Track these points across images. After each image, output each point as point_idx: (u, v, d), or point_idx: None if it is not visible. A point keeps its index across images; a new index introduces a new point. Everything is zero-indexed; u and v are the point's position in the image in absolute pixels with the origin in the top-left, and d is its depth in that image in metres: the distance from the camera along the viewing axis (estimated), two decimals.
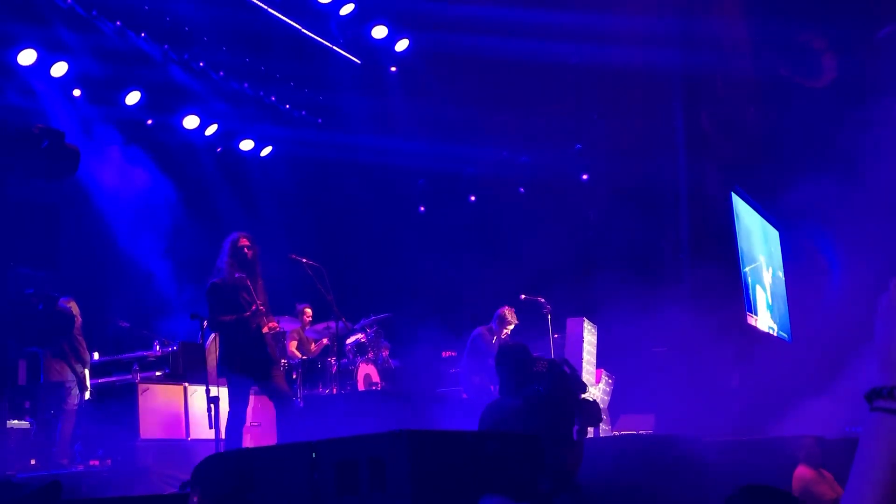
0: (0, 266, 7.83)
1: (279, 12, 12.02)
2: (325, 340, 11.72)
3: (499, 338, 10.88)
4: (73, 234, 9.54)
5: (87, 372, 9.97)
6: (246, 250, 8.18)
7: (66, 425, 9.63)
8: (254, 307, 8.04)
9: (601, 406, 11.02)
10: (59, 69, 10.91)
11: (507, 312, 11.08)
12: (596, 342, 10.97)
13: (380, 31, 13.34)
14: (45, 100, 10.94)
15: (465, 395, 11.06)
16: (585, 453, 6.64)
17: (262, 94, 13.30)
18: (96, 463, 9.17)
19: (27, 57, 10.52)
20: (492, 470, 4.15)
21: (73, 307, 9.95)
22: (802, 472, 8.98)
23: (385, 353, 11.58)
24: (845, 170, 12.04)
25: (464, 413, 9.44)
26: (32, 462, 9.06)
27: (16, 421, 9.45)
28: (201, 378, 9.33)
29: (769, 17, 12.64)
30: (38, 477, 7.05)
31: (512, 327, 11.03)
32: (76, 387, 9.77)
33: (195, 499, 3.97)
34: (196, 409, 9.73)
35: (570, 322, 10.80)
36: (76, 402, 9.79)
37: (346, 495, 3.87)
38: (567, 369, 6.42)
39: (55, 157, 8.12)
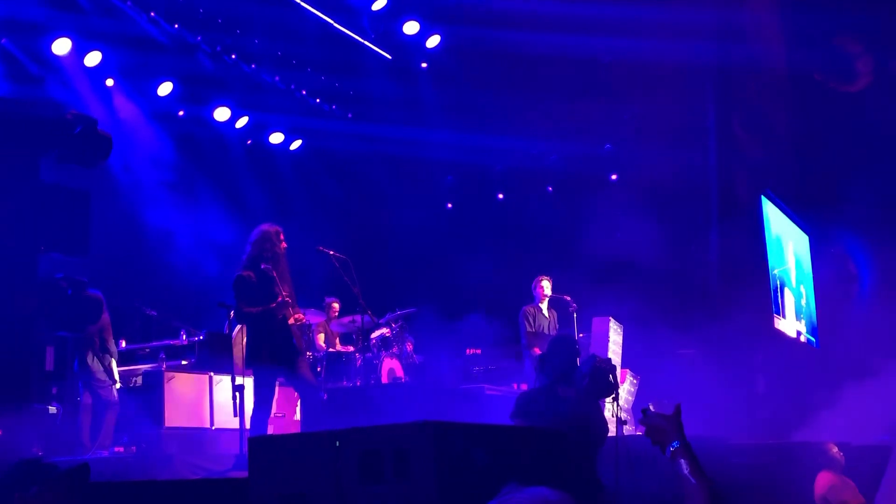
0: (31, 250, 7.89)
1: (312, 6, 12.04)
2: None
3: (546, 299, 10.98)
4: (103, 222, 9.57)
5: (114, 363, 9.96)
6: (283, 243, 8.26)
7: (110, 416, 9.63)
8: (280, 298, 8.07)
9: (626, 406, 11.01)
10: (92, 58, 10.98)
11: (536, 281, 11.17)
12: (622, 342, 10.91)
13: (411, 27, 13.31)
14: (78, 88, 11.00)
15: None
16: (610, 453, 6.63)
17: (293, 87, 13.33)
18: (121, 450, 9.21)
19: (62, 46, 10.59)
20: (516, 462, 4.14)
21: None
22: (825, 478, 8.90)
23: (409, 348, 11.57)
24: (879, 175, 11.92)
25: (487, 410, 9.41)
26: (58, 447, 9.10)
27: (43, 406, 9.48)
28: (227, 367, 9.37)
29: (804, 15, 12.46)
30: (66, 461, 7.09)
31: (547, 284, 11.02)
32: (109, 377, 9.78)
33: None
34: (221, 399, 9.77)
35: (596, 321, 10.74)
36: (115, 393, 9.80)
37: (369, 484, 3.87)
38: (605, 367, 6.47)
39: (88, 143, 8.20)
